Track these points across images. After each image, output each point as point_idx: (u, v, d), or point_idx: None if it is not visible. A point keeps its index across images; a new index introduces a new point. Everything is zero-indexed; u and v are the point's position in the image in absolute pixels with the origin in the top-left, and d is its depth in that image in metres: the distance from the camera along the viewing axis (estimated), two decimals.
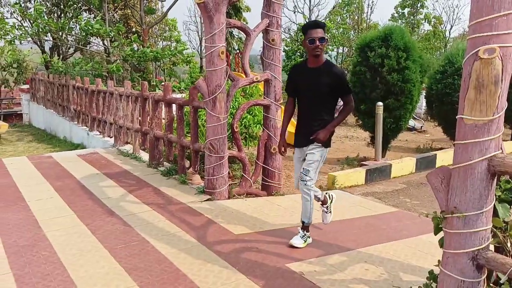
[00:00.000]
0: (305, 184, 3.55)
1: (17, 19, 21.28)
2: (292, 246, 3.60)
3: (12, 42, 13.84)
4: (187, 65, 18.14)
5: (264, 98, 5.35)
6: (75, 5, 18.47)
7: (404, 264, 3.34)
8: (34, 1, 20.18)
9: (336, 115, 3.67)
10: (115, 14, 18.76)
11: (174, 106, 6.33)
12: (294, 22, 23.85)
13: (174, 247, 3.61)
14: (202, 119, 6.07)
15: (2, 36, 17.93)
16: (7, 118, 15.82)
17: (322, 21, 23.25)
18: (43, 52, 19.46)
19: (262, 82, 5.30)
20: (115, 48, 12.41)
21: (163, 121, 6.72)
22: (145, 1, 14.73)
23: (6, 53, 12.56)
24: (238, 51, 18.04)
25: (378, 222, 4.41)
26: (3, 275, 3.14)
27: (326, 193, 3.99)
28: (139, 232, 3.91)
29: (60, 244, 3.65)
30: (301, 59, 24.03)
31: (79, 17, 14.96)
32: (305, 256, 3.45)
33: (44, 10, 15.08)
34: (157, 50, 12.72)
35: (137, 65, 12.95)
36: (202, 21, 28.15)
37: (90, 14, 19.24)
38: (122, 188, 5.37)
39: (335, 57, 26.73)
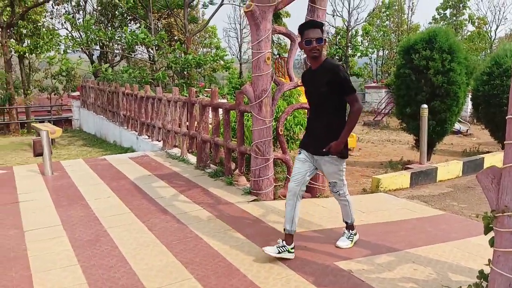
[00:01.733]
0: (339, 194, 3.61)
1: (67, 30, 22.57)
2: (340, 248, 3.67)
3: (65, 52, 14.73)
4: (226, 71, 18.55)
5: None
6: (121, 16, 19.33)
7: (453, 265, 3.36)
8: (83, 12, 21.33)
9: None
10: (158, 23, 19.47)
11: (220, 110, 6.58)
12: (332, 26, 23.76)
13: (226, 243, 3.79)
14: (248, 123, 6.27)
15: (55, 46, 19.04)
16: (57, 124, 16.64)
17: (365, 24, 22.60)
18: (92, 61, 20.47)
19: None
20: (160, 55, 12.92)
21: (209, 125, 6.98)
22: (188, 9, 15.21)
23: (60, 61, 13.40)
24: (278, 56, 18.23)
25: (425, 225, 4.41)
26: (71, 266, 3.43)
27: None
28: (192, 229, 4.13)
29: (120, 239, 3.92)
30: (340, 63, 24.04)
31: (125, 28, 15.68)
32: (353, 255, 3.54)
33: (94, 21, 15.91)
34: (199, 56, 13.14)
35: (180, 72, 13.41)
36: (241, 28, 28.59)
37: (136, 23, 20.09)
38: (173, 188, 5.65)
39: (375, 60, 26.43)
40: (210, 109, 6.79)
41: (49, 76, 22.65)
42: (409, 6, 24.71)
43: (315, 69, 3.43)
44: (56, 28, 21.66)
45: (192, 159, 7.32)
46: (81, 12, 21.66)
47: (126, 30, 14.80)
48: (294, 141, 7.17)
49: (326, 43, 3.92)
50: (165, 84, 13.33)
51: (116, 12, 19.78)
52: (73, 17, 19.89)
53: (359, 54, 24.19)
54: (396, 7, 24.65)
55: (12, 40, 19.12)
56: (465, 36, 25.51)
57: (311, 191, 5.46)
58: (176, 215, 4.56)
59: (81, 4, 21.47)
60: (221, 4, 15.32)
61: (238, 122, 5.90)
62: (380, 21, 25.48)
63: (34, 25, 20.19)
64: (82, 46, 16.43)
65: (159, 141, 8.83)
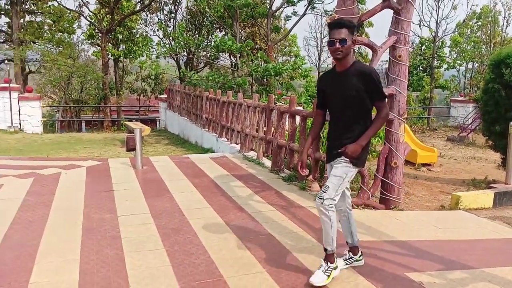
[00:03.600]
0: (322, 203, 3.07)
1: (159, 37, 24.26)
2: (312, 286, 3.13)
3: (157, 58, 15.95)
4: (304, 79, 18.73)
5: None
6: (209, 24, 20.42)
7: None
8: (174, 21, 22.84)
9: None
10: (242, 32, 20.26)
11: (297, 117, 6.79)
12: (418, 36, 22.89)
13: (297, 244, 3.97)
14: (324, 131, 6.39)
15: (147, 52, 20.61)
16: (144, 123, 17.94)
17: (455, 35, 21.23)
18: (179, 66, 21.82)
19: None
20: (243, 63, 13.48)
21: (286, 131, 7.22)
22: (271, 19, 15.70)
23: (151, 66, 14.55)
24: None
25: (505, 246, 4.22)
26: (158, 250, 3.82)
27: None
28: (266, 228, 4.37)
29: (201, 230, 4.27)
30: (424, 74, 22.97)
31: (214, 34, 16.57)
32: (424, 268, 3.52)
33: (185, 27, 17.01)
34: (278, 65, 13.50)
35: (260, 79, 13.86)
36: (322, 37, 28.61)
37: (221, 32, 21.09)
38: (249, 188, 5.96)
39: (464, 73, 24.98)
40: (288, 115, 7.02)
41: (139, 79, 24.52)
42: (504, 17, 23.02)
43: (341, 71, 3.15)
44: (149, 35, 23.46)
45: (267, 162, 7.60)
46: (172, 20, 23.21)
47: (216, 36, 15.66)
48: (371, 152, 7.15)
49: (355, 44, 3.74)
50: (244, 90, 13.89)
51: (205, 21, 20.93)
52: (166, 25, 21.38)
53: (445, 66, 23.05)
54: (490, 18, 23.10)
55: (109, 44, 21.07)
56: None
57: (385, 203, 5.44)
58: (251, 214, 4.83)
59: (173, 12, 22.99)
60: (303, 14, 15.58)
61: None
62: (470, 32, 24.05)
63: (129, 32, 22.07)
64: (172, 52, 17.63)
65: (237, 144, 9.25)
